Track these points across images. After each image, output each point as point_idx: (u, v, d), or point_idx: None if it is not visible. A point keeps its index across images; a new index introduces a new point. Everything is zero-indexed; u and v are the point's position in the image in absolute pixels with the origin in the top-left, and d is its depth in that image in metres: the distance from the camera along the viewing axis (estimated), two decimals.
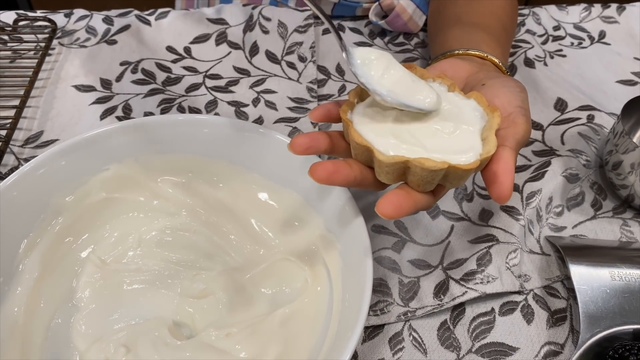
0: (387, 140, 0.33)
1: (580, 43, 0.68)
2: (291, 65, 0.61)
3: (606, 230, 0.48)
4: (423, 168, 0.31)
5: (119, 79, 0.58)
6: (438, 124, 0.34)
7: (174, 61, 0.61)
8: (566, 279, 0.44)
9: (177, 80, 0.59)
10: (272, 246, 0.42)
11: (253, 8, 0.66)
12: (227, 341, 0.37)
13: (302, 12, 0.65)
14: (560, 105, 0.58)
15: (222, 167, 0.43)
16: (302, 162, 0.39)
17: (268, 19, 0.65)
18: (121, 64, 0.60)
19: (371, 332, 0.40)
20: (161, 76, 0.59)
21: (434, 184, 0.33)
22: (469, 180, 0.50)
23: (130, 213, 0.43)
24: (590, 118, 0.56)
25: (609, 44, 0.68)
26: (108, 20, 0.64)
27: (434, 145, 0.33)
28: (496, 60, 0.45)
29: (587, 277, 0.42)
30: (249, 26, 0.64)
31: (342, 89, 0.59)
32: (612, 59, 0.66)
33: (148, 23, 0.65)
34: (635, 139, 0.52)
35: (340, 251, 0.38)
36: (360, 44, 0.65)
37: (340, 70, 0.62)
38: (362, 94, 0.37)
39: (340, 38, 0.36)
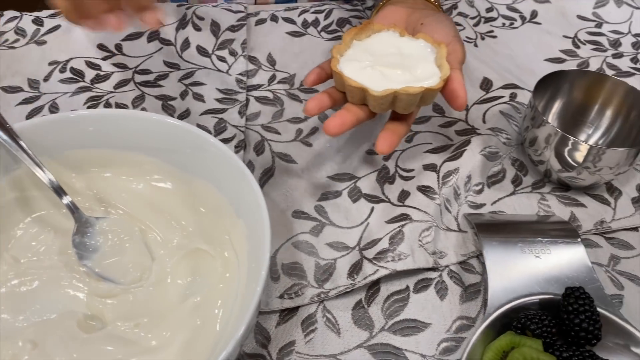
0: (373, 80, 0.42)
1: (512, 24, 0.69)
2: (221, 58, 0.61)
3: (524, 205, 0.49)
4: (408, 94, 0.40)
5: (46, 78, 0.58)
6: (405, 62, 0.44)
7: (104, 58, 0.61)
8: (481, 254, 0.45)
9: (106, 77, 0.59)
10: (185, 236, 0.42)
11: (187, 8, 0.66)
12: (136, 331, 0.37)
13: (235, 13, 0.65)
14: (486, 84, 0.59)
15: (137, 160, 0.43)
16: (213, 152, 0.40)
17: (201, 19, 0.65)
18: (50, 64, 0.60)
19: (285, 315, 0.41)
20: (90, 74, 0.59)
21: (415, 105, 0.43)
22: (391, 163, 0.51)
23: (44, 211, 0.43)
24: (513, 96, 0.57)
25: (539, 24, 0.69)
26: (38, 21, 0.64)
27: (407, 78, 0.42)
28: None
29: (498, 251, 0.43)
30: (181, 24, 0.65)
31: (272, 79, 0.60)
32: (542, 38, 0.67)
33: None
34: (551, 115, 0.53)
35: (247, 236, 0.39)
36: None
37: (271, 60, 0.62)
38: (359, 34, 0.46)
39: None
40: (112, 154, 0.43)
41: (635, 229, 0.48)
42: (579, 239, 0.44)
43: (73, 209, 0.41)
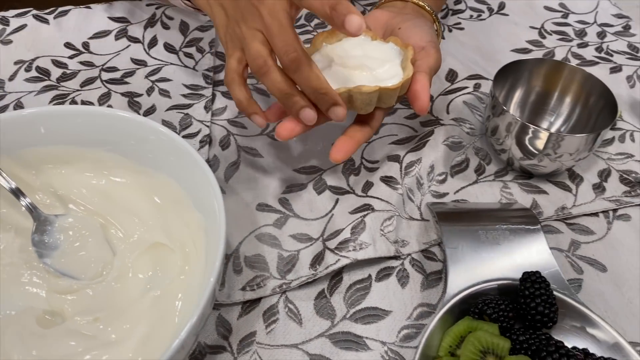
0: (333, 81, 0.42)
1: (479, 15, 0.70)
2: (189, 55, 0.61)
3: (487, 193, 0.49)
4: (362, 93, 0.41)
5: (12, 78, 0.58)
6: (368, 63, 0.44)
7: (71, 57, 0.61)
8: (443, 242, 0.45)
9: (73, 75, 0.59)
10: (145, 230, 0.42)
11: (157, 8, 0.66)
12: (95, 325, 0.37)
13: (205, 15, 0.66)
14: (451, 76, 0.60)
15: (96, 156, 0.43)
16: (172, 147, 0.40)
17: (171, 18, 0.65)
18: (15, 63, 0.59)
19: (248, 307, 0.41)
20: (56, 72, 0.59)
21: (373, 105, 0.43)
22: (357, 154, 0.52)
23: (4, 209, 0.42)
24: (477, 87, 0.58)
25: (507, 15, 0.70)
26: (4, 21, 0.64)
27: (368, 79, 0.43)
28: (416, 1, 0.52)
29: (458, 239, 0.44)
30: (150, 23, 0.64)
31: None
32: (509, 29, 0.68)
33: (46, 22, 0.64)
34: (513, 104, 0.54)
35: (205, 228, 0.39)
36: None
37: None
38: (329, 38, 0.47)
39: None
40: (70, 150, 0.43)
41: (595, 214, 0.48)
42: (539, 225, 0.44)
43: (31, 208, 0.41)
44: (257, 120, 0.43)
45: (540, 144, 0.46)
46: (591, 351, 0.38)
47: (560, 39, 0.67)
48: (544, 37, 0.67)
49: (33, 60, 0.60)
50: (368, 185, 0.49)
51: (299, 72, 0.39)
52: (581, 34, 0.68)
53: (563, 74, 0.51)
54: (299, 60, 0.38)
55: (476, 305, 0.39)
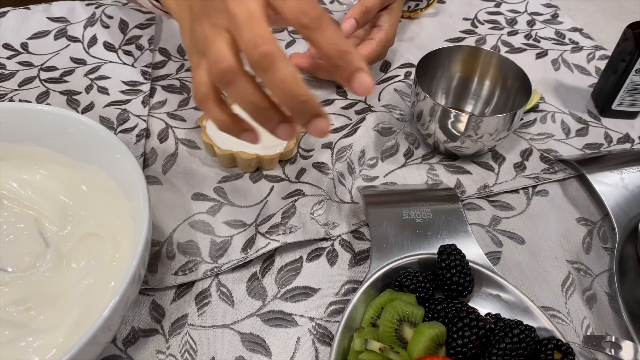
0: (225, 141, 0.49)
1: (417, 5, 0.72)
2: (128, 52, 0.62)
3: (414, 175, 0.52)
4: (240, 157, 0.49)
5: None
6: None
7: (9, 57, 0.61)
8: None
9: (11, 75, 0.59)
10: (78, 222, 0.43)
11: (96, 7, 0.67)
12: (27, 314, 0.38)
13: (144, 14, 0.66)
14: (385, 66, 0.62)
15: (27, 151, 0.44)
16: (98, 139, 0.41)
17: (110, 17, 0.66)
18: None
19: (181, 292, 0.43)
20: None
21: (252, 167, 0.50)
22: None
23: None
24: (408, 74, 0.60)
25: (444, 2, 0.73)
26: None
27: (258, 144, 0.39)
28: None
29: (382, 218, 0.46)
30: (90, 22, 0.65)
31: (180, 68, 0.61)
32: (443, 20, 0.71)
33: None
34: (439, 90, 0.56)
35: (134, 217, 0.40)
36: None
37: (181, 51, 0.64)
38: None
39: None
40: (1, 145, 0.44)
41: (516, 191, 0.51)
42: (459, 203, 0.47)
43: None
44: (249, 138, 0.36)
45: (461, 126, 0.49)
46: (503, 316, 0.40)
47: (492, 28, 0.70)
48: (476, 27, 0.70)
49: None
50: (301, 172, 0.50)
51: (272, 71, 0.30)
52: (512, 22, 0.71)
53: (480, 58, 0.54)
54: (272, 56, 0.30)
55: (396, 278, 0.41)
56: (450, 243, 0.43)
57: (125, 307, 0.35)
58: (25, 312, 0.39)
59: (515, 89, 0.52)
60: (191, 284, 0.43)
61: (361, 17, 0.54)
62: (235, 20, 0.30)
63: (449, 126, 0.50)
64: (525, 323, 0.38)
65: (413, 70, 0.61)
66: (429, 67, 0.53)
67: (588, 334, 0.42)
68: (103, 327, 0.32)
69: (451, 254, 0.42)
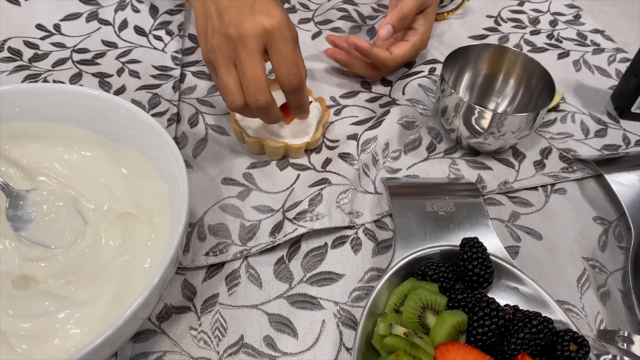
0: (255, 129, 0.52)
1: (442, 4, 0.73)
2: (158, 37, 0.63)
3: (436, 169, 0.53)
4: (269, 145, 0.50)
5: None
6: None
7: (43, 38, 0.62)
8: None
9: (45, 56, 0.60)
10: (115, 201, 0.45)
11: None
12: (67, 287, 0.40)
13: (173, 0, 0.68)
14: (409, 62, 0.63)
15: (68, 132, 0.46)
16: (138, 122, 0.43)
17: (141, 2, 0.67)
18: None
19: (212, 272, 0.44)
20: (28, 53, 0.60)
21: (279, 155, 0.52)
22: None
23: None
24: (432, 70, 0.61)
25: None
26: None
27: (286, 133, 0.52)
28: None
29: (405, 209, 0.47)
30: (120, 6, 0.66)
31: None
32: (467, 18, 0.72)
33: (17, 3, 0.66)
34: (462, 86, 0.58)
35: (170, 198, 0.42)
36: None
37: None
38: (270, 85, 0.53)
39: None
40: (42, 126, 0.45)
41: (535, 188, 0.53)
42: (481, 198, 0.49)
43: (3, 185, 0.43)
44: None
45: (485, 123, 0.50)
46: (521, 307, 0.42)
47: (514, 26, 0.71)
48: (500, 25, 0.71)
49: (5, 41, 0.61)
50: (327, 162, 0.52)
51: (263, 114, 0.46)
52: (535, 21, 0.72)
53: (506, 57, 0.55)
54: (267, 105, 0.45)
55: (419, 267, 0.43)
56: (472, 236, 0.45)
57: (163, 286, 0.36)
58: (66, 285, 0.40)
59: (539, 89, 0.53)
60: (221, 265, 0.45)
61: (398, 23, 0.55)
62: (242, 67, 0.44)
63: (473, 122, 0.51)
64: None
65: (437, 66, 0.62)
66: (455, 63, 0.54)
67: (601, 328, 0.43)
68: (143, 304, 0.34)
69: (473, 246, 0.43)
